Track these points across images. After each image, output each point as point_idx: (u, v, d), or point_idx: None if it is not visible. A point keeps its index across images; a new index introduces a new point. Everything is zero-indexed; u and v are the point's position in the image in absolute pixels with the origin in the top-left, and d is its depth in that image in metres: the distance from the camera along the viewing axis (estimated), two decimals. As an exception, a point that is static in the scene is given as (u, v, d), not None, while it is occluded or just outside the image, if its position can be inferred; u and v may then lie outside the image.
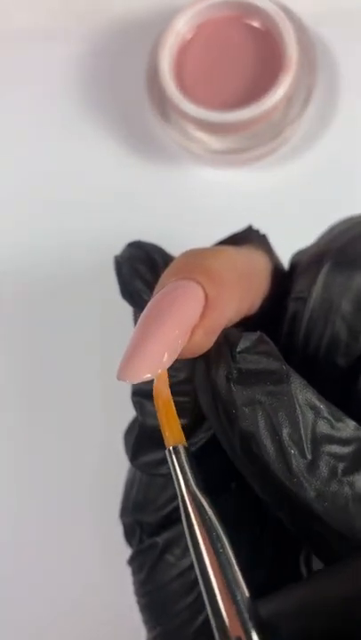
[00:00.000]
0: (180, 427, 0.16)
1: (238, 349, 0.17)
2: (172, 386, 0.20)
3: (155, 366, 0.16)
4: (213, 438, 0.21)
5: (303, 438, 0.16)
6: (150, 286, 0.20)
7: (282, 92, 0.32)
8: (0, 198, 0.37)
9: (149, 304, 0.17)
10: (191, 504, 0.16)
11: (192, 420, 0.21)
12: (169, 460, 0.16)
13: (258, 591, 0.19)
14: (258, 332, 0.17)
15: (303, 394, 0.16)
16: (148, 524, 0.21)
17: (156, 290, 0.18)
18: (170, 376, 0.18)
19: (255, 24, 0.35)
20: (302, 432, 0.16)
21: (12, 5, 0.38)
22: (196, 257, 0.18)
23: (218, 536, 0.15)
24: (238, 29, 0.35)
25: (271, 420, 0.16)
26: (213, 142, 0.34)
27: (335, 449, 0.16)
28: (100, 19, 0.38)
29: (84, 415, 0.34)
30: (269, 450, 0.16)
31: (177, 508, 0.21)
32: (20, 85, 0.38)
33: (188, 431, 0.21)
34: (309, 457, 0.16)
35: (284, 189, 0.35)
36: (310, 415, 0.16)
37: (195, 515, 0.16)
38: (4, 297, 0.36)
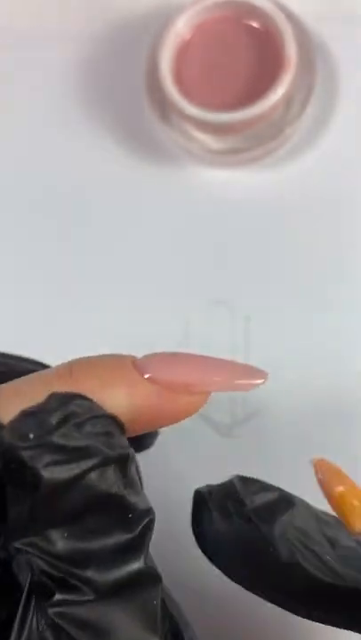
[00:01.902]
0: None
1: (241, 496, 0.18)
2: None
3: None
4: None
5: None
6: None
7: (282, 91, 0.32)
8: None
9: None
10: None
11: None
12: None
13: None
14: (235, 475, 0.19)
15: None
16: None
17: None
18: None
19: (254, 24, 0.34)
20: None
21: (11, 6, 0.38)
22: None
23: None
24: (238, 29, 0.35)
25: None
26: (213, 142, 0.34)
27: None
28: (99, 19, 0.38)
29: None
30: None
31: None
32: (20, 86, 0.38)
33: None
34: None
35: (284, 189, 0.35)
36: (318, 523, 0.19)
37: None
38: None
